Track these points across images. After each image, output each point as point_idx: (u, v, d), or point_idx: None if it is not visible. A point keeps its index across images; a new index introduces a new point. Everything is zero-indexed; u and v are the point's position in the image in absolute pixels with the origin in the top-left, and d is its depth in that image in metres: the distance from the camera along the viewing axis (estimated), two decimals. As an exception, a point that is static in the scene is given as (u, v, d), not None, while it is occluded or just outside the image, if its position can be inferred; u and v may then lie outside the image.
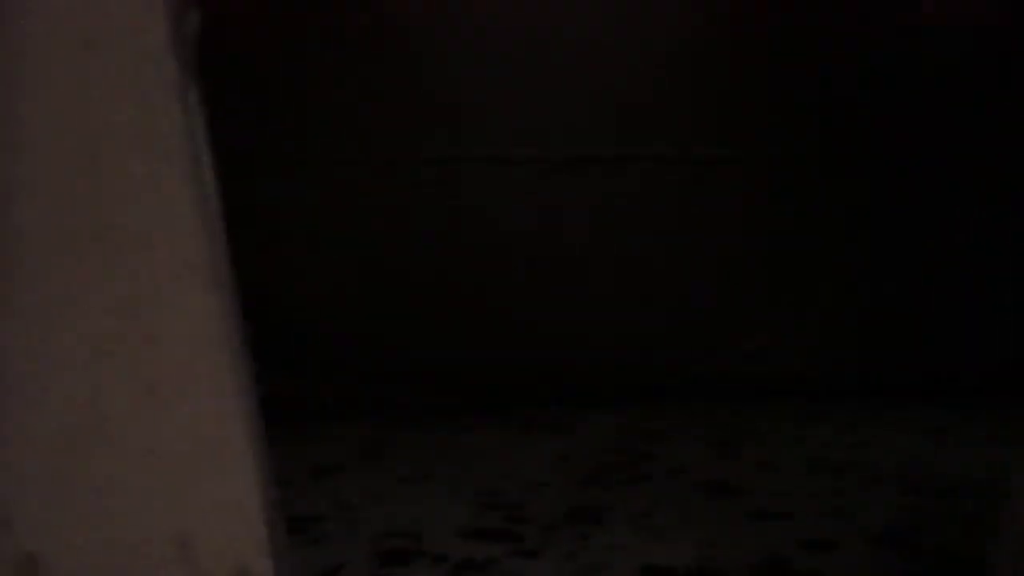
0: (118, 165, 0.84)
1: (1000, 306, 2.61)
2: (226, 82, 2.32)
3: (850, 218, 2.65)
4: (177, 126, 0.85)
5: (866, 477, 1.94)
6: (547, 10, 2.50)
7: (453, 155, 2.52)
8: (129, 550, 0.95)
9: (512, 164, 2.51)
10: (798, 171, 2.60)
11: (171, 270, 0.88)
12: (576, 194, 2.58)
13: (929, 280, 2.61)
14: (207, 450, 0.93)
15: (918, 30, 2.52)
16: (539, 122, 2.54)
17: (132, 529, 0.94)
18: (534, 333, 2.60)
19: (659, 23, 2.52)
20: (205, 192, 0.88)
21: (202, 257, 0.88)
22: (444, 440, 2.26)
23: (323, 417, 2.44)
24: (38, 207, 0.84)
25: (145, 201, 0.85)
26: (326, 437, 2.28)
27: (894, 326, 2.70)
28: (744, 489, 1.84)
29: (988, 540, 1.11)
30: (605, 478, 1.93)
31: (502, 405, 2.50)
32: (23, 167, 0.83)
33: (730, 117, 2.58)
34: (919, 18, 2.52)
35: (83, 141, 0.83)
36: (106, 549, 0.94)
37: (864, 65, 2.55)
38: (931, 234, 2.63)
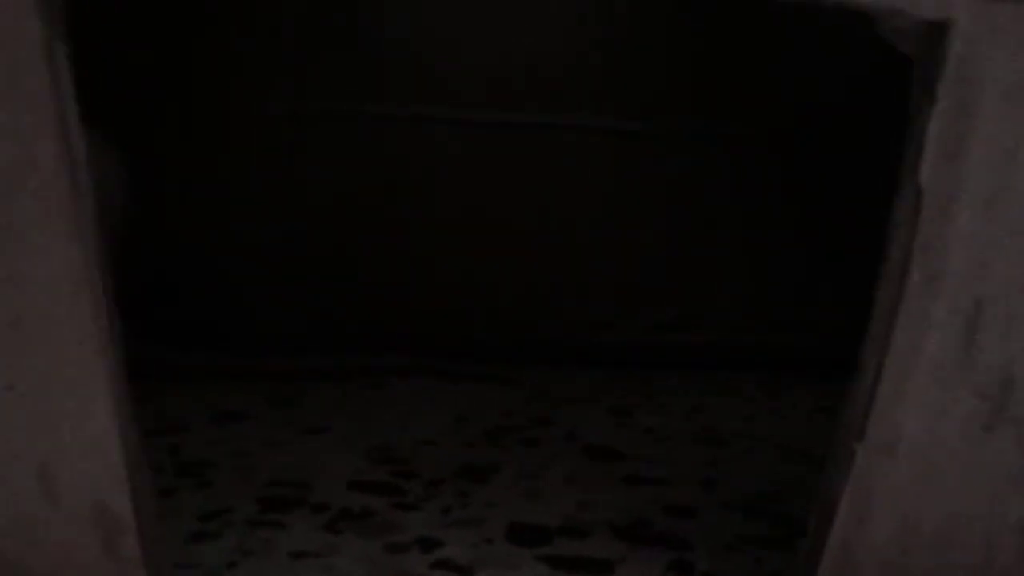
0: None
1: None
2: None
3: (770, 194, 2.73)
4: (41, 82, 0.89)
5: (750, 448, 2.03)
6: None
7: (383, 112, 2.56)
8: (-7, 481, 1.00)
9: (436, 122, 2.56)
10: (715, 145, 2.67)
11: (35, 216, 0.92)
12: (501, 158, 2.63)
13: (842, 258, 2.69)
14: (66, 390, 0.98)
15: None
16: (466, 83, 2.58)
17: (-4, 460, 0.99)
18: (454, 295, 2.66)
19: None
20: (70, 145, 0.92)
21: (65, 205, 0.92)
22: (355, 394, 2.31)
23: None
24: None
25: (8, 151, 0.89)
26: (240, 385, 2.33)
27: (807, 302, 2.80)
28: (628, 455, 1.92)
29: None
30: (501, 439, 2.00)
31: (412, 365, 2.56)
32: None
33: (650, 90, 2.64)
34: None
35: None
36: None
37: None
38: (851, 212, 2.71)
